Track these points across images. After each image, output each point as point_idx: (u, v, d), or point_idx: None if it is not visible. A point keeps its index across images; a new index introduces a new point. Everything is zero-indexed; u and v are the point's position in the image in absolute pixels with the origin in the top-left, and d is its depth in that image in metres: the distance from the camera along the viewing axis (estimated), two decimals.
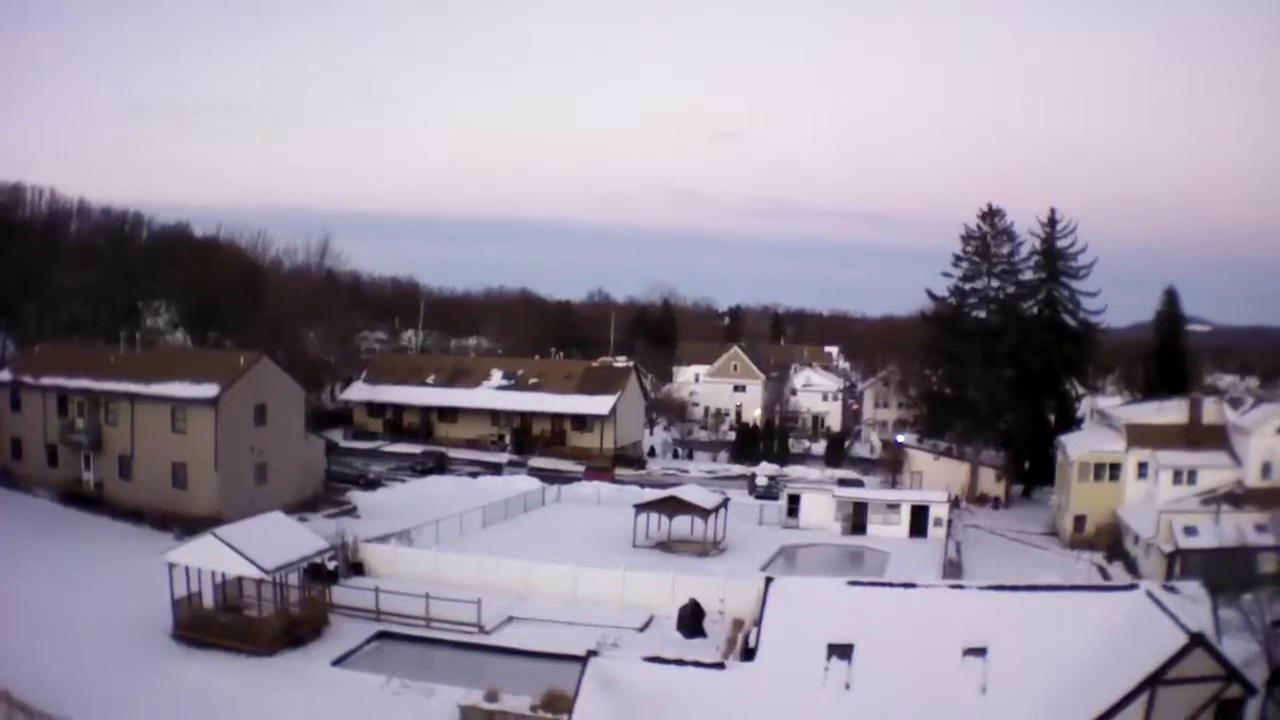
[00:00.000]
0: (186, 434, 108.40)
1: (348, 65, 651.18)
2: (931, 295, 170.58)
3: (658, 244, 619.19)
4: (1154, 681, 43.52)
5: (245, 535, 77.44)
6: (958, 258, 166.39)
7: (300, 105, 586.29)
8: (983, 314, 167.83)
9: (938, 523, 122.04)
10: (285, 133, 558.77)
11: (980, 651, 49.21)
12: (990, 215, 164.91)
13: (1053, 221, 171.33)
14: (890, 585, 61.21)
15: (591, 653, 50.31)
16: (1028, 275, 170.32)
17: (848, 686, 48.75)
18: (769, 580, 56.44)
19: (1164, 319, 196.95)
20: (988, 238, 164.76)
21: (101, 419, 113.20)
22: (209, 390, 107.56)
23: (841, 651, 49.91)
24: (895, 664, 48.93)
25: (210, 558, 76.15)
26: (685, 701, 47.99)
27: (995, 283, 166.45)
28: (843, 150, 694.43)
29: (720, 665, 53.64)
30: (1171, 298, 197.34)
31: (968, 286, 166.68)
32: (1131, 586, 55.95)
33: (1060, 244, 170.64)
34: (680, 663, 53.36)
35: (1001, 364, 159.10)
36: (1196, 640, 43.97)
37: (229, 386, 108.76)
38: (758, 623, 53.33)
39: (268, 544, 77.51)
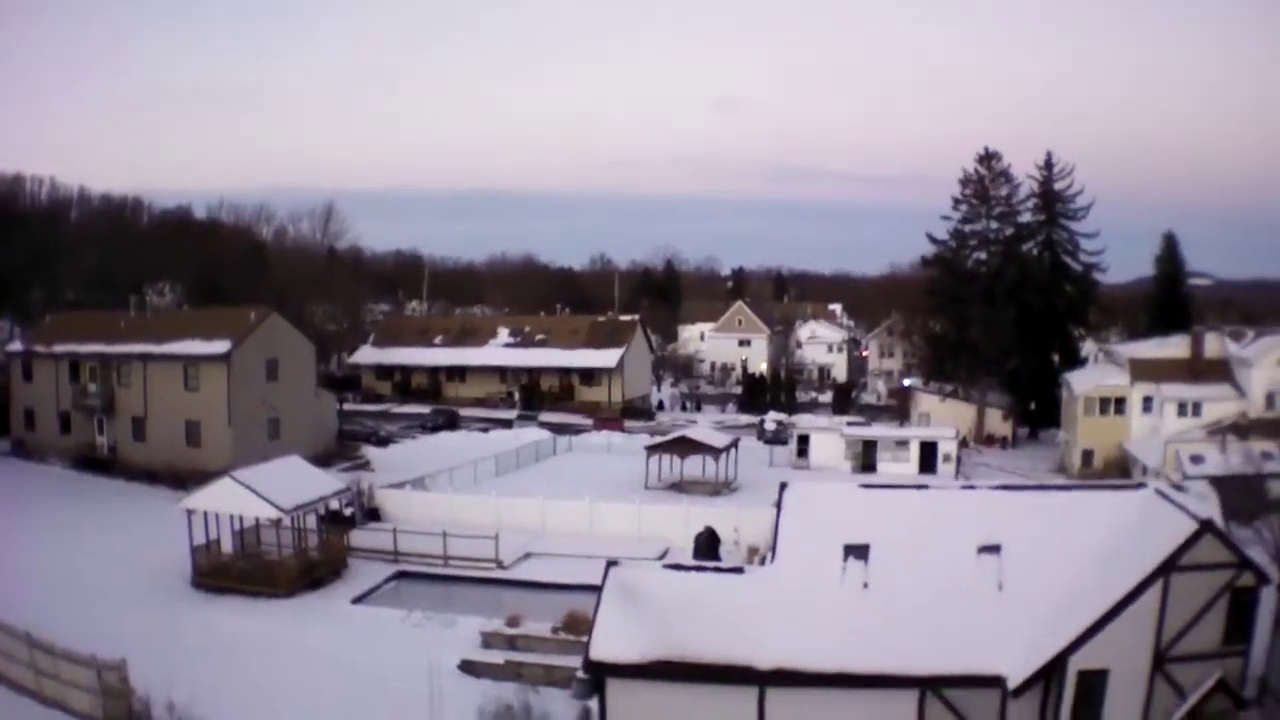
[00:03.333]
0: (199, 391, 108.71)
1: (345, 44, 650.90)
2: (931, 238, 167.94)
3: (661, 211, 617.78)
4: (1167, 568, 43.92)
5: (262, 477, 77.87)
6: (956, 201, 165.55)
7: (299, 86, 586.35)
8: (982, 255, 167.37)
9: (946, 459, 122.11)
10: (284, 115, 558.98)
11: (995, 549, 49.46)
12: (988, 158, 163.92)
13: (1049, 165, 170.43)
14: (903, 487, 61.14)
15: (612, 562, 50.15)
16: (1026, 218, 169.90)
17: (865, 585, 48.91)
18: (783, 485, 56.33)
19: (1164, 263, 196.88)
20: (985, 181, 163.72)
21: (114, 381, 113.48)
22: (220, 346, 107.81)
23: (858, 552, 50.05)
24: (911, 563, 49.19)
25: (228, 501, 76.48)
26: (706, 605, 48.09)
27: (994, 225, 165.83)
28: (844, 113, 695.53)
29: (739, 570, 53.87)
30: (1171, 243, 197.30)
31: (967, 229, 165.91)
32: (1140, 485, 56.52)
33: (1058, 186, 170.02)
34: (700, 568, 53.63)
35: (1003, 304, 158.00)
36: (1206, 526, 44.51)
37: (240, 342, 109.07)
38: (775, 528, 52.97)
39: (284, 485, 77.89)
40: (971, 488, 62.98)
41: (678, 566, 53.09)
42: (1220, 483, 74.39)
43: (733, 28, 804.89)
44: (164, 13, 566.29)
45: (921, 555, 49.50)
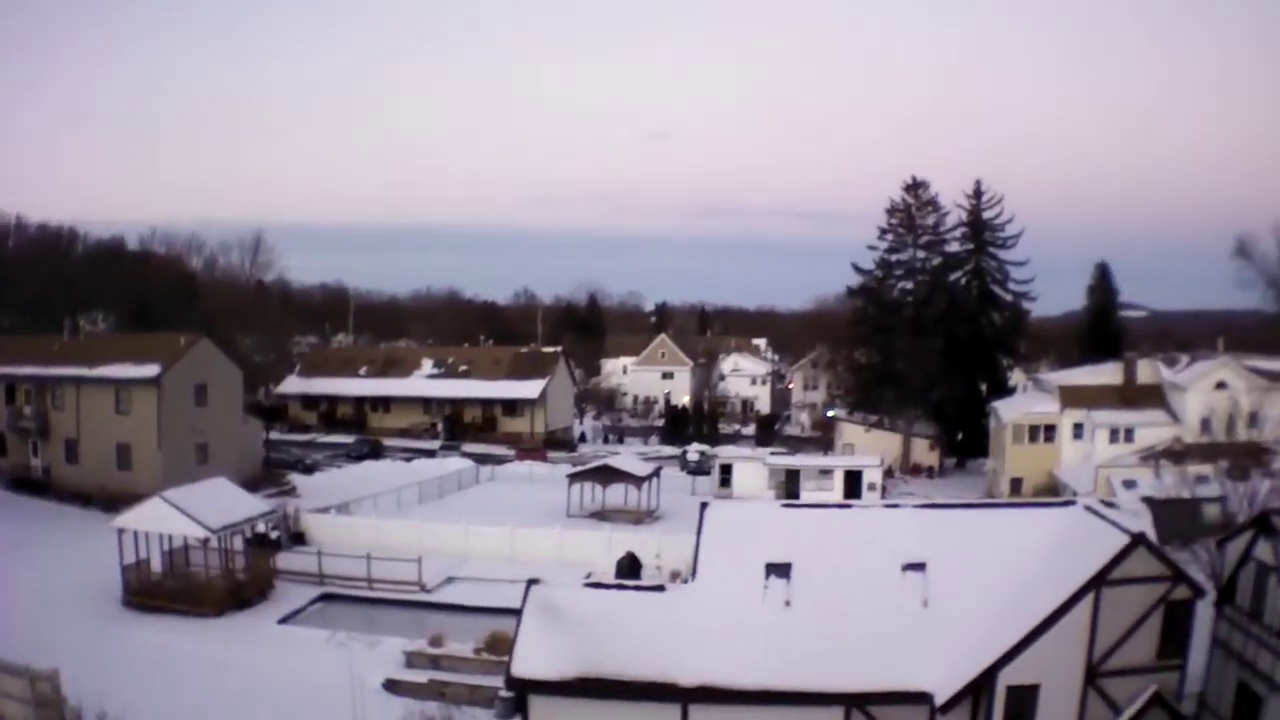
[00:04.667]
0: (130, 414, 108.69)
1: (271, 79, 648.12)
2: (857, 268, 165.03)
3: (585, 246, 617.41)
4: (1098, 582, 44.27)
5: (190, 497, 78.46)
6: (883, 230, 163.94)
7: (229, 119, 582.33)
8: (909, 285, 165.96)
9: (871, 487, 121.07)
10: (215, 147, 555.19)
11: (919, 566, 49.81)
12: (915, 187, 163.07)
13: (978, 193, 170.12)
14: (825, 506, 61.72)
15: (533, 580, 50.58)
16: (954, 247, 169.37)
17: (788, 604, 49.09)
18: (704, 505, 56.84)
19: (1096, 292, 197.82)
20: (912, 209, 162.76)
21: (48, 404, 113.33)
22: (150, 370, 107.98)
23: (780, 570, 50.25)
24: (835, 581, 49.41)
25: (157, 520, 76.93)
26: (627, 623, 48.24)
27: (921, 254, 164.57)
28: (771, 150, 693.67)
29: (660, 588, 54.04)
30: (1103, 272, 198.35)
31: (893, 259, 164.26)
32: (1069, 502, 57.08)
33: (986, 215, 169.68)
34: (621, 587, 54.03)
35: (929, 333, 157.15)
36: (1138, 540, 44.82)
37: (170, 366, 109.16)
38: (696, 546, 53.24)
39: (212, 506, 78.56)
40: (895, 506, 63.48)
41: (598, 585, 53.15)
42: (1155, 506, 74.89)
43: (659, 64, 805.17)
44: (98, 44, 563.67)
45: (845, 573, 49.67)
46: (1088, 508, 52.35)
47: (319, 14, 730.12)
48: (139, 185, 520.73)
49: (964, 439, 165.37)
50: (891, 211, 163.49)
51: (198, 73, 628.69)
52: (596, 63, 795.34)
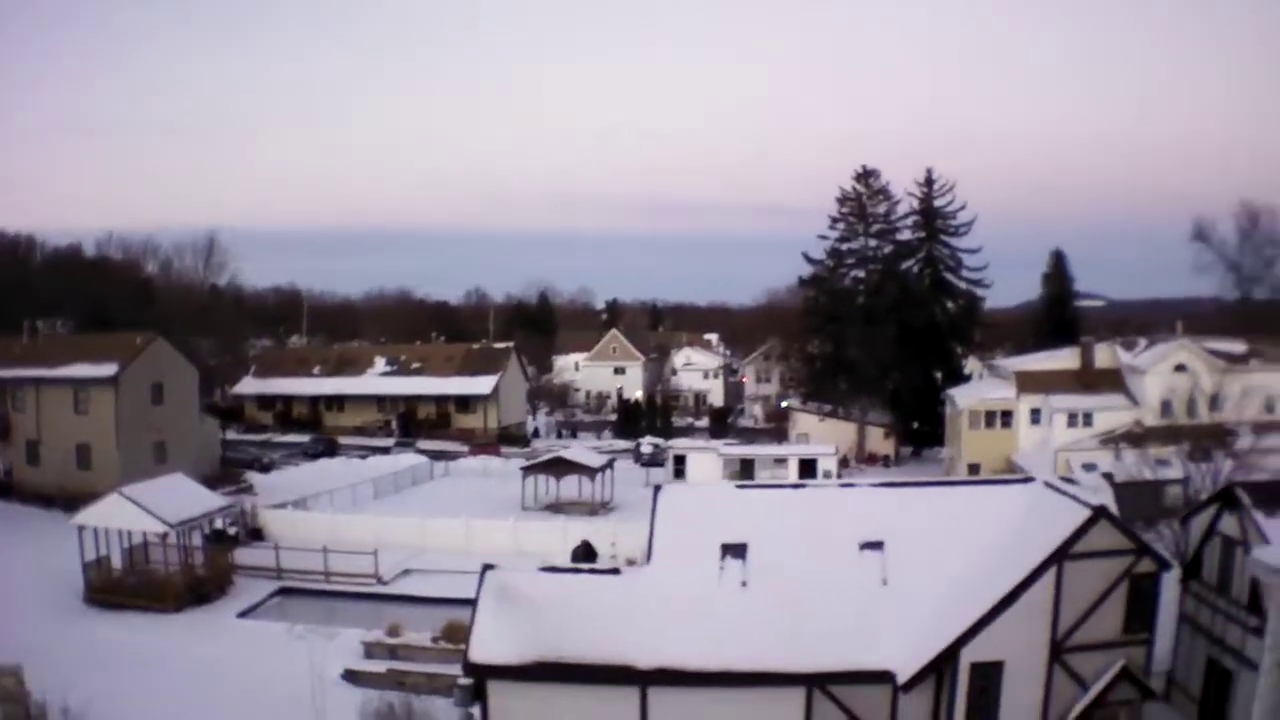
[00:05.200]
0: (89, 414, 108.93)
1: (222, 85, 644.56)
2: (808, 258, 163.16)
3: (536, 245, 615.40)
4: (1060, 556, 44.44)
5: (149, 493, 79.04)
6: (834, 220, 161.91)
7: (179, 126, 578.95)
8: (861, 274, 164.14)
9: (827, 475, 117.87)
10: (170, 152, 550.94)
11: (877, 545, 49.99)
12: (866, 176, 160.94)
13: (930, 181, 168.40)
14: (779, 486, 61.94)
15: (488, 566, 50.88)
16: (906, 235, 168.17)
17: (744, 584, 49.31)
18: (657, 488, 56.98)
19: (1052, 280, 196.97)
20: (863, 198, 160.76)
21: (9, 406, 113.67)
22: (108, 369, 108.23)
23: (735, 551, 50.52)
24: (791, 561, 49.66)
25: (117, 516, 77.52)
26: (583, 606, 48.38)
27: (873, 242, 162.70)
28: (720, 144, 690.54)
29: (615, 571, 53.90)
30: (1059, 260, 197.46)
31: (844, 248, 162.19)
32: (1028, 479, 56.94)
33: (938, 203, 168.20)
34: (576, 570, 54.34)
35: (882, 322, 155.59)
36: (1099, 513, 45.14)
37: (127, 365, 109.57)
38: (650, 529, 53.34)
39: (171, 501, 79.07)
40: (851, 485, 63.46)
41: (554, 569, 52.71)
42: (1117, 488, 75.02)
43: (610, 61, 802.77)
44: (49, 52, 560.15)
45: (801, 553, 49.90)
46: (1047, 484, 52.75)
47: (270, 19, 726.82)
48: (95, 192, 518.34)
49: (920, 427, 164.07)
50: (843, 200, 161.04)
51: (149, 79, 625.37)
52: (546, 61, 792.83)
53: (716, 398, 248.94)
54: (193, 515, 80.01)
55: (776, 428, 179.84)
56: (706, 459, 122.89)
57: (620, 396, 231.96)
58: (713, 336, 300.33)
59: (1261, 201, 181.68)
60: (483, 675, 46.86)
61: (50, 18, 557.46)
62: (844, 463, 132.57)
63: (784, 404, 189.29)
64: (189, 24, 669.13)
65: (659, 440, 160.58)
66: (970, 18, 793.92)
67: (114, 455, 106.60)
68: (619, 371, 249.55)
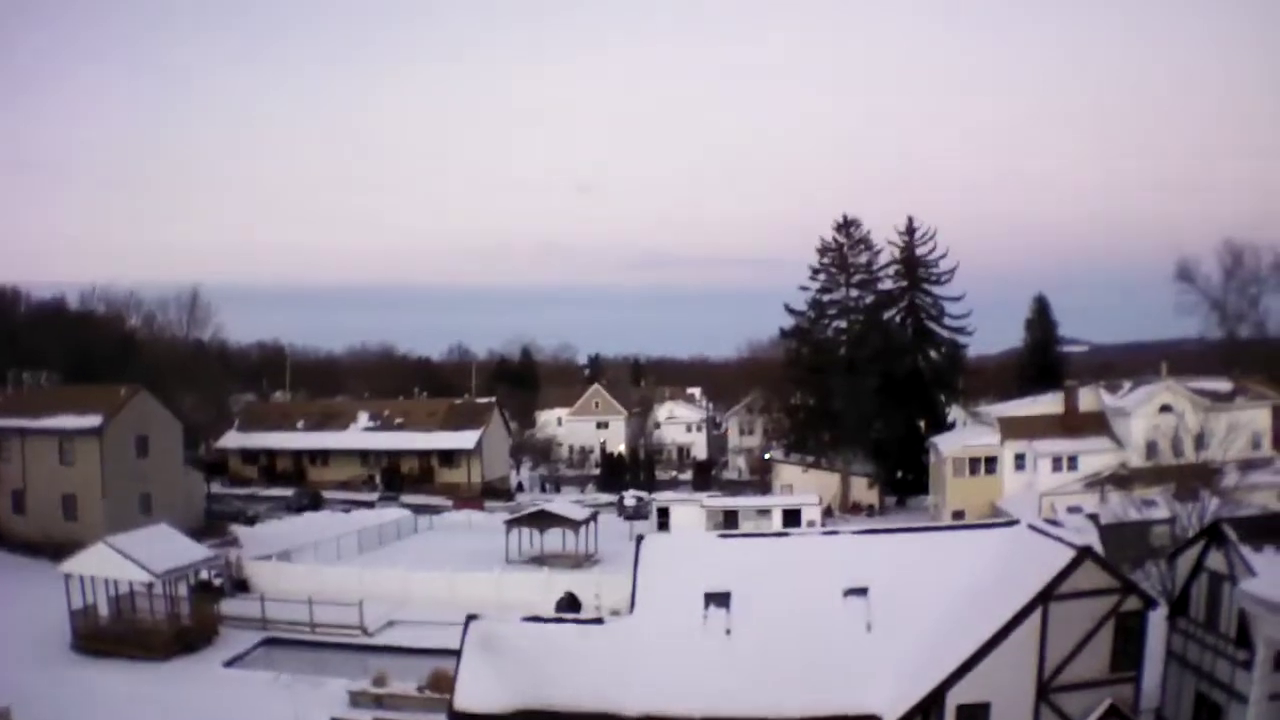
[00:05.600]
0: (74, 465, 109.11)
1: (207, 138, 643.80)
2: (789, 309, 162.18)
3: (517, 300, 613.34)
4: (1045, 597, 44.65)
5: (135, 543, 79.45)
6: (815, 270, 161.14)
7: (164, 178, 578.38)
8: (842, 324, 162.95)
9: (810, 525, 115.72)
10: (153, 207, 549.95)
11: (861, 591, 50.24)
12: (846, 225, 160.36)
13: (911, 230, 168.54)
14: (762, 535, 62.27)
15: (472, 616, 51.21)
16: (888, 284, 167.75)
17: (728, 632, 49.64)
18: (640, 537, 57.34)
19: (1035, 326, 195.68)
20: (844, 248, 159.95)
21: None
22: (93, 420, 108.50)
23: (719, 600, 50.79)
24: (775, 609, 49.93)
25: (103, 565, 77.81)
26: (567, 655, 48.72)
27: (854, 292, 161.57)
28: (700, 199, 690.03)
29: (599, 621, 54.37)
30: (1042, 306, 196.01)
31: (826, 299, 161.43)
32: (1012, 522, 57.11)
33: (920, 251, 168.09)
34: (559, 620, 54.49)
35: (865, 372, 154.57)
36: (1085, 553, 45.31)
37: (112, 417, 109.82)
38: (633, 578, 53.79)
39: (156, 551, 79.44)
40: (834, 533, 63.69)
41: (537, 619, 52.95)
42: (1104, 529, 75.51)
43: (590, 115, 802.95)
44: (36, 105, 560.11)
45: (785, 601, 50.19)
46: (1031, 526, 52.99)
47: (256, 78, 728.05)
48: (79, 245, 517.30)
49: (904, 476, 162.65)
50: (823, 251, 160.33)
51: (132, 134, 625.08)
52: (526, 116, 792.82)
53: (700, 451, 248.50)
54: (178, 565, 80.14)
55: (760, 479, 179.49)
56: (690, 511, 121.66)
57: (604, 451, 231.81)
58: (695, 390, 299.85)
59: (1244, 240, 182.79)
60: None
61: (34, 69, 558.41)
62: (828, 512, 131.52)
63: (767, 455, 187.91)
64: (174, 80, 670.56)
65: (643, 493, 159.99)
66: (950, 68, 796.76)
67: (99, 506, 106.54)
68: (602, 426, 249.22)
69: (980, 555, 50.91)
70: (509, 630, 50.73)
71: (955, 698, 44.57)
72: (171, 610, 79.81)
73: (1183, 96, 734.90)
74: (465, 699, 47.34)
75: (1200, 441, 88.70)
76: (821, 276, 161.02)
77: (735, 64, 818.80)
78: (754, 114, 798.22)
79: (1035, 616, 44.62)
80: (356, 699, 66.38)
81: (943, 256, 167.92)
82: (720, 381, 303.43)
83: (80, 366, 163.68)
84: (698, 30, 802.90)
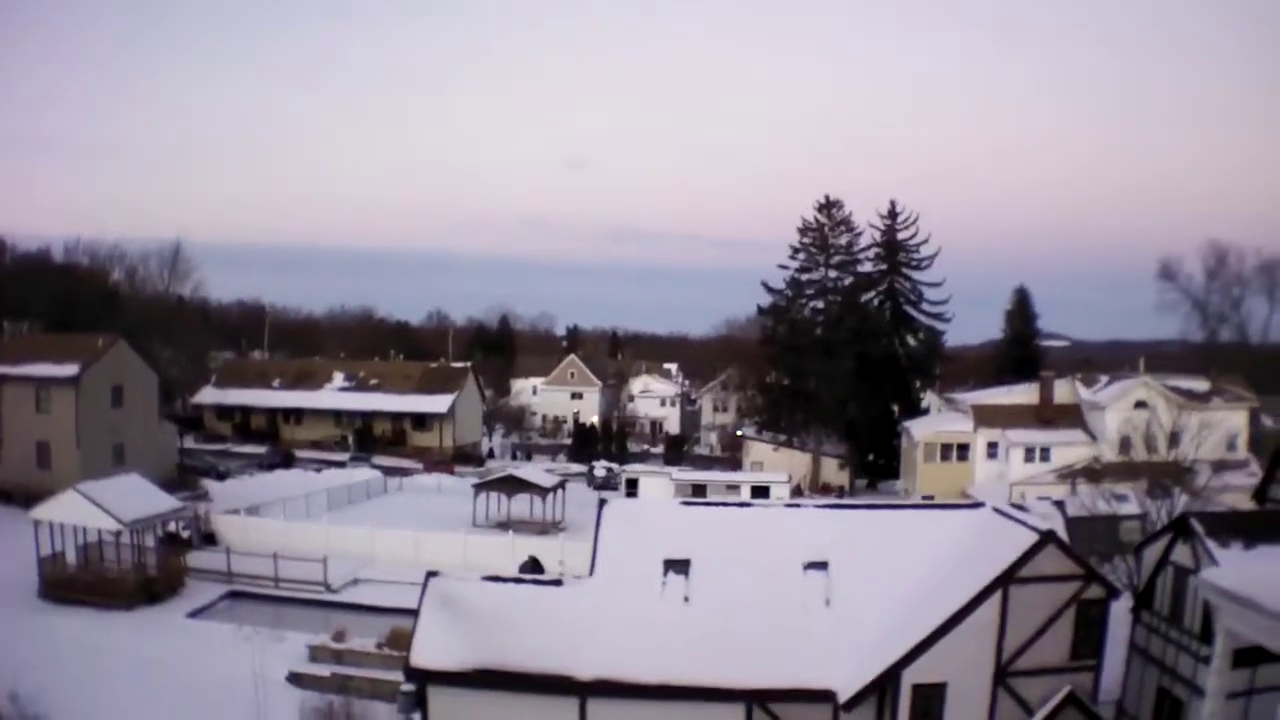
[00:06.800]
0: (50, 413, 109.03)
1: (193, 97, 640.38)
2: (767, 287, 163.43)
3: (499, 270, 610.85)
4: (1006, 580, 44.15)
5: (105, 490, 79.49)
6: (794, 250, 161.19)
7: (149, 137, 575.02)
8: (820, 305, 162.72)
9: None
10: (138, 165, 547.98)
11: (822, 565, 49.97)
12: (828, 206, 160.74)
13: (893, 214, 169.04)
14: (725, 505, 62.01)
15: (432, 573, 51.28)
16: (868, 267, 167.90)
17: (686, 600, 49.43)
18: (602, 501, 57.27)
19: (1015, 318, 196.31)
20: (825, 229, 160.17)
21: None
22: (70, 369, 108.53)
23: (678, 567, 50.63)
24: (734, 578, 49.71)
25: (73, 512, 77.81)
26: (525, 616, 48.49)
27: (833, 274, 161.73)
28: (684, 176, 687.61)
29: (558, 582, 54.05)
30: (1022, 297, 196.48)
31: (804, 278, 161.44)
32: (978, 504, 56.86)
33: (901, 236, 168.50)
34: (519, 580, 54.02)
35: (840, 354, 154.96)
36: (1048, 537, 44.80)
37: (88, 366, 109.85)
38: (594, 541, 53.74)
39: (126, 500, 79.54)
40: (796, 505, 63.46)
41: (497, 578, 52.67)
42: (1073, 523, 75.52)
43: (581, 90, 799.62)
44: (21, 64, 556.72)
45: (745, 571, 49.97)
46: (996, 509, 52.53)
47: (241, 38, 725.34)
48: (64, 199, 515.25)
49: (876, 460, 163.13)
50: (804, 231, 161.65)
51: (118, 93, 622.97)
52: (512, 90, 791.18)
53: (673, 425, 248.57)
54: (147, 515, 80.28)
55: (731, 456, 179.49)
56: (659, 483, 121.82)
57: (576, 421, 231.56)
58: (672, 366, 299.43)
59: (1228, 241, 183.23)
60: (424, 680, 47.02)
61: (18, 29, 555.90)
62: (797, 492, 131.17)
63: (739, 432, 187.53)
64: (159, 39, 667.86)
65: (612, 464, 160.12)
66: (936, 56, 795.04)
67: (73, 455, 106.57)
68: (576, 396, 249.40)
69: (944, 535, 50.60)
70: (468, 589, 50.60)
71: (911, 677, 44.18)
72: (138, 560, 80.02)
73: (1174, 94, 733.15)
74: (422, 655, 47.13)
75: (1174, 439, 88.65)
76: (801, 256, 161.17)
77: (723, 46, 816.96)
78: (740, 96, 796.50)
79: (995, 599, 44.23)
80: (316, 653, 66.48)
81: (924, 242, 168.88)
82: (698, 358, 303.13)
83: (63, 318, 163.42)
84: (686, 10, 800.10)
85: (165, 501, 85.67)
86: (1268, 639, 28.50)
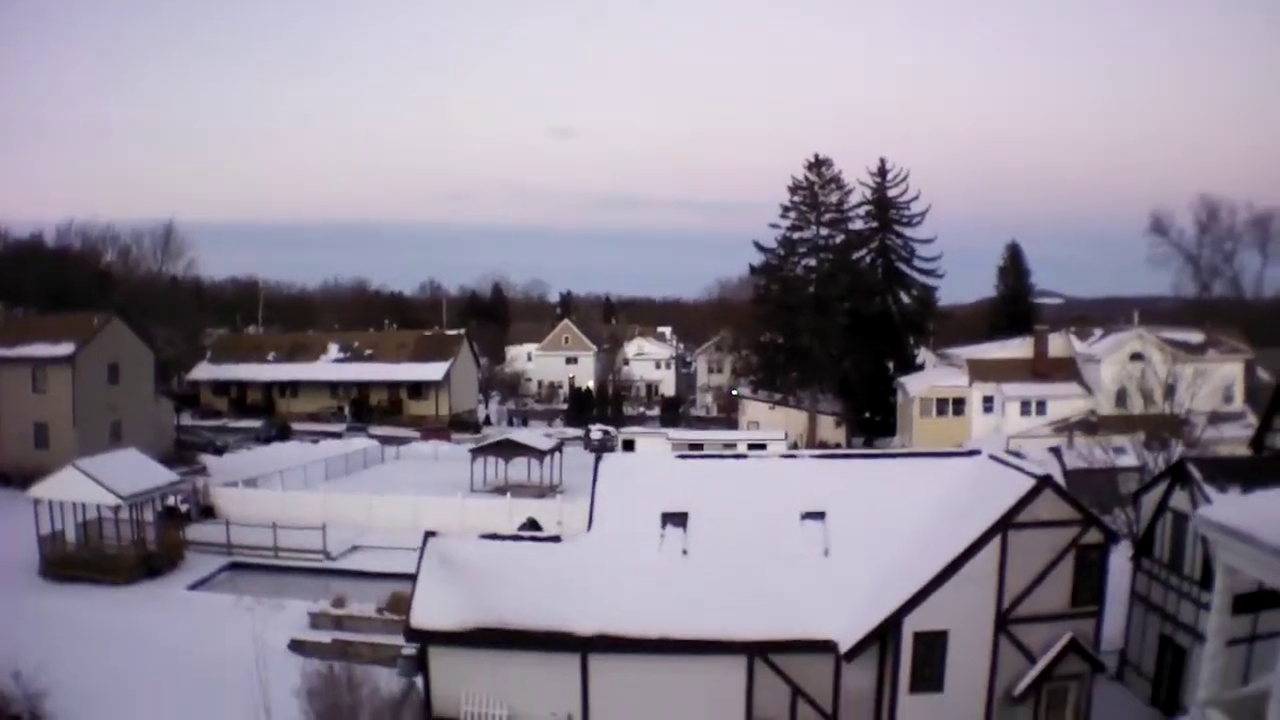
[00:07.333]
0: (46, 393, 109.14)
1: (188, 79, 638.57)
2: (759, 246, 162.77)
3: (492, 239, 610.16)
4: (1004, 525, 44.15)
5: (103, 466, 79.34)
6: (785, 208, 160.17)
7: (140, 118, 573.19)
8: (812, 263, 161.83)
9: None
10: (131, 146, 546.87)
11: (819, 515, 50.17)
12: (817, 164, 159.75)
13: (883, 171, 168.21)
14: (721, 457, 61.99)
15: (430, 533, 51.29)
16: (859, 225, 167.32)
17: (685, 552, 49.64)
18: (599, 456, 57.20)
19: (1008, 273, 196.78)
20: (815, 187, 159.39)
21: None
22: (65, 348, 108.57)
23: (676, 520, 50.78)
24: (732, 530, 49.88)
25: (71, 488, 77.61)
26: (524, 573, 48.81)
27: (824, 231, 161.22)
28: (675, 141, 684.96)
29: (556, 539, 54.28)
30: (1015, 253, 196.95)
31: (795, 236, 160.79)
32: (974, 451, 56.64)
33: (892, 193, 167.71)
34: (517, 538, 54.21)
35: (833, 311, 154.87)
36: (1045, 481, 44.83)
37: (84, 344, 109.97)
38: (591, 497, 53.73)
39: (123, 474, 79.34)
40: (793, 456, 63.36)
41: (495, 536, 53.03)
42: (1071, 475, 75.29)
43: (568, 57, 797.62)
44: (12, 47, 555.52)
45: (743, 523, 50.14)
46: (992, 456, 52.53)
47: (230, 17, 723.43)
48: (56, 182, 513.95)
49: (872, 417, 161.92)
50: (794, 189, 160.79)
51: (109, 74, 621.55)
52: (500, 57, 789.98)
53: (668, 388, 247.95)
54: (145, 489, 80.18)
55: (728, 417, 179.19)
56: (656, 444, 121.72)
57: (572, 386, 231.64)
58: (666, 329, 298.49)
59: (1220, 195, 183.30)
60: (424, 640, 47.48)
61: (8, 12, 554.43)
62: (794, 449, 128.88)
63: (734, 392, 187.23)
64: (150, 19, 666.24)
65: (609, 428, 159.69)
66: (924, 17, 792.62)
67: (71, 434, 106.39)
68: (571, 361, 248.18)
69: (941, 483, 50.61)
70: (467, 547, 50.81)
71: (912, 625, 44.20)
72: (137, 535, 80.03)
73: (1167, 51, 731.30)
74: (422, 616, 47.43)
75: (1170, 391, 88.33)
76: (792, 214, 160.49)
77: (712, 8, 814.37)
78: (731, 57, 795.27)
79: (994, 545, 44.20)
80: (317, 620, 66.50)
81: (914, 199, 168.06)
82: (692, 322, 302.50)
83: (57, 301, 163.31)
84: None
85: (163, 475, 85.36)
86: (1266, 574, 28.24)
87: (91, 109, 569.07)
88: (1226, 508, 33.91)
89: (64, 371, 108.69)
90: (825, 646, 45.52)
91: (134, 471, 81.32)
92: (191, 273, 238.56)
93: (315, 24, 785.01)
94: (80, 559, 78.47)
